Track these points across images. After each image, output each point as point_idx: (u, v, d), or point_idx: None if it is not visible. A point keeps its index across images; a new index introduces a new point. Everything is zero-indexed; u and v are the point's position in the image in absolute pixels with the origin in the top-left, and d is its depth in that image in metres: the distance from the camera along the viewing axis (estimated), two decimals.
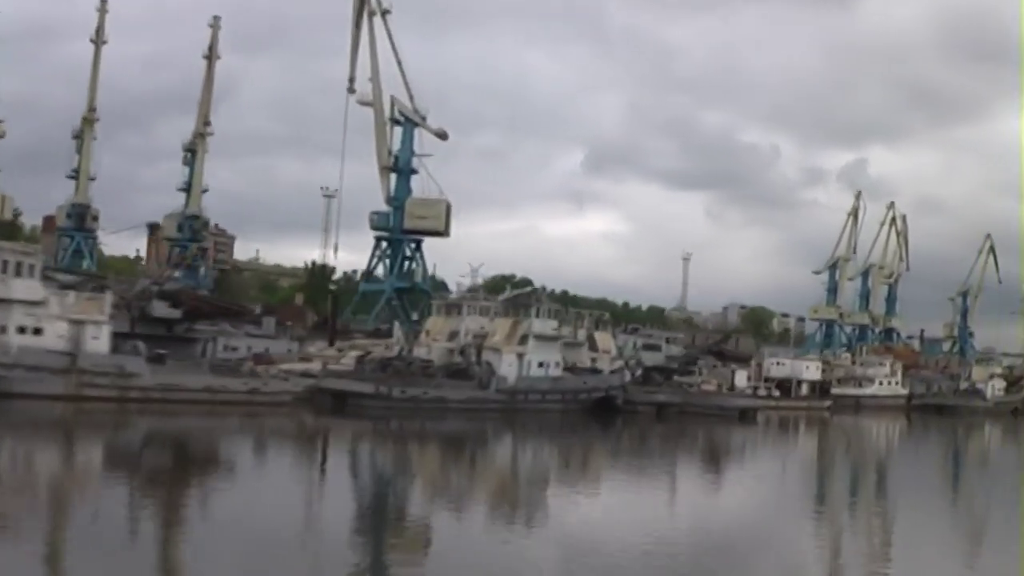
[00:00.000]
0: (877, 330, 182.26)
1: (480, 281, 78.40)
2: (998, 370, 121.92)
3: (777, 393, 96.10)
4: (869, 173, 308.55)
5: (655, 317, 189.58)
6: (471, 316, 72.92)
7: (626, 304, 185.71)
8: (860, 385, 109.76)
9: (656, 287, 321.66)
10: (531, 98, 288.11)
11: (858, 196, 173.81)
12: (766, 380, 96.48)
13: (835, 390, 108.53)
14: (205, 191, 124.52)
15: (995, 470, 66.59)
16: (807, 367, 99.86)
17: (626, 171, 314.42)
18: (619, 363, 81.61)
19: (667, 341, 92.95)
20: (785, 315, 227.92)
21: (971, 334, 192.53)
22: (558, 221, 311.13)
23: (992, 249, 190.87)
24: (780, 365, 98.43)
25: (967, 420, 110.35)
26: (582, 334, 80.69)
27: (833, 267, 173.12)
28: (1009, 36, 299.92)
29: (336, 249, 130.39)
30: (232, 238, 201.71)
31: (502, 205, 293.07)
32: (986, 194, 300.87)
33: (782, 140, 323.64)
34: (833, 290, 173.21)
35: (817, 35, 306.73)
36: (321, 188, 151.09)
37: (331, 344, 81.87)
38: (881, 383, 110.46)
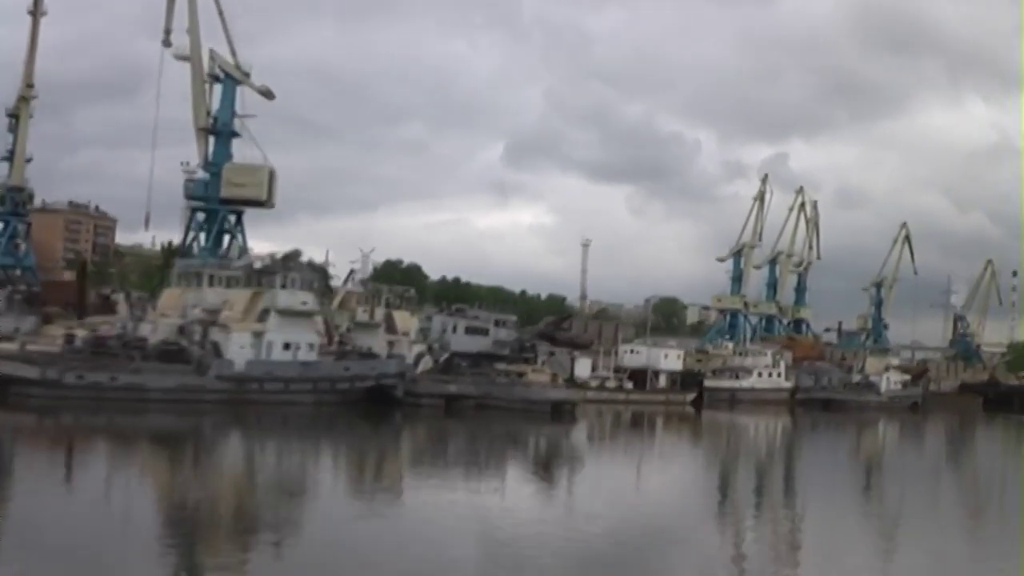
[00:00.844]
0: (786, 321, 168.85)
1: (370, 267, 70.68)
2: (895, 362, 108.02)
3: (630, 385, 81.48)
4: (790, 166, 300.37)
5: (555, 307, 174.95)
6: (213, 288, 57.47)
7: (523, 292, 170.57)
8: (737, 377, 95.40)
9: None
10: (453, 88, 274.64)
11: (764, 180, 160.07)
12: (618, 371, 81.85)
13: (709, 382, 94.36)
14: (29, 160, 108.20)
15: (882, 486, 51.71)
16: (665, 356, 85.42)
17: (549, 162, 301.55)
18: (419, 347, 66.57)
19: (497, 324, 77.87)
20: (706, 308, 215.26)
21: (886, 326, 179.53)
22: (485, 213, 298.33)
23: (908, 239, 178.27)
24: (634, 354, 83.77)
25: (858, 416, 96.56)
26: (380, 313, 65.87)
27: (738, 254, 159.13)
28: (925, 27, 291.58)
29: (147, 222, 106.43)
30: (114, 220, 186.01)
31: (429, 196, 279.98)
32: (909, 188, 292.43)
33: (703, 133, 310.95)
34: (738, 278, 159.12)
35: (737, 27, 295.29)
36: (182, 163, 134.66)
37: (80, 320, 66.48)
38: (761, 375, 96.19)
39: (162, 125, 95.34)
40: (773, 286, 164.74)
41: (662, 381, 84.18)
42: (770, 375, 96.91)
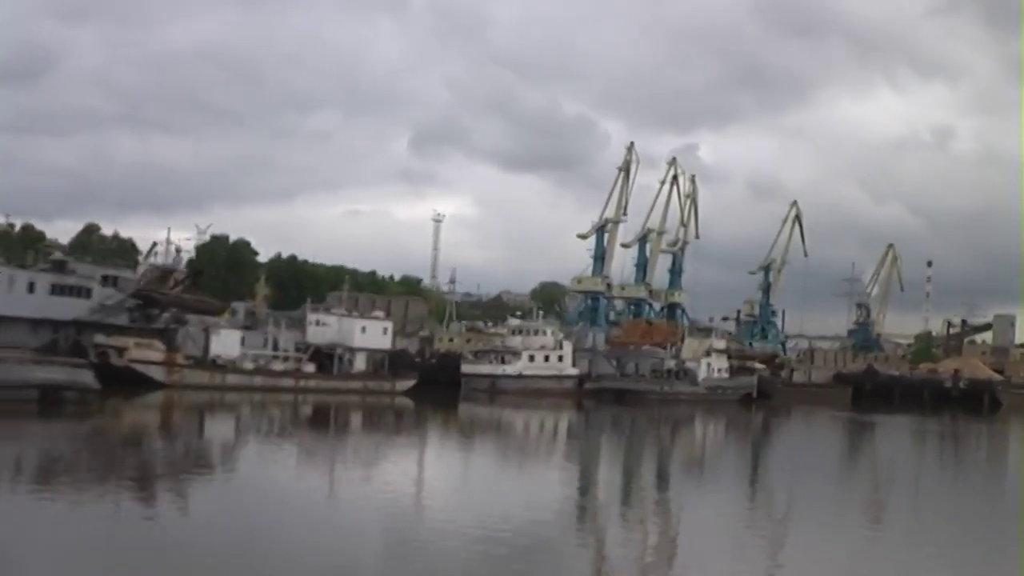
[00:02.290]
0: (659, 306, 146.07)
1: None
2: (719, 344, 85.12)
3: (311, 368, 58.54)
4: (699, 156, 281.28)
5: (410, 290, 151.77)
6: None
7: (373, 272, 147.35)
8: (503, 361, 72.51)
9: (506, 272, 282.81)
10: (360, 75, 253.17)
11: (630, 148, 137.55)
12: (301, 348, 58.88)
13: (467, 368, 71.53)
14: None
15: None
16: (363, 329, 62.40)
17: (458, 152, 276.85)
18: None
19: (106, 282, 54.80)
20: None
21: (774, 312, 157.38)
22: (406, 204, 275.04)
23: (798, 218, 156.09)
24: (322, 326, 60.70)
25: (661, 411, 74.07)
26: None
27: (601, 231, 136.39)
28: (831, 11, 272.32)
29: None
30: None
31: (346, 186, 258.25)
32: (824, 179, 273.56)
33: (612, 124, 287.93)
34: (601, 257, 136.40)
35: (645, 15, 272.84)
36: None
37: None
38: (534, 359, 73.38)
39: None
40: (643, 267, 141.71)
41: (360, 363, 61.08)
42: (546, 359, 73.94)
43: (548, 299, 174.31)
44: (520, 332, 76.75)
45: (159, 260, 62.21)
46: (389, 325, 67.06)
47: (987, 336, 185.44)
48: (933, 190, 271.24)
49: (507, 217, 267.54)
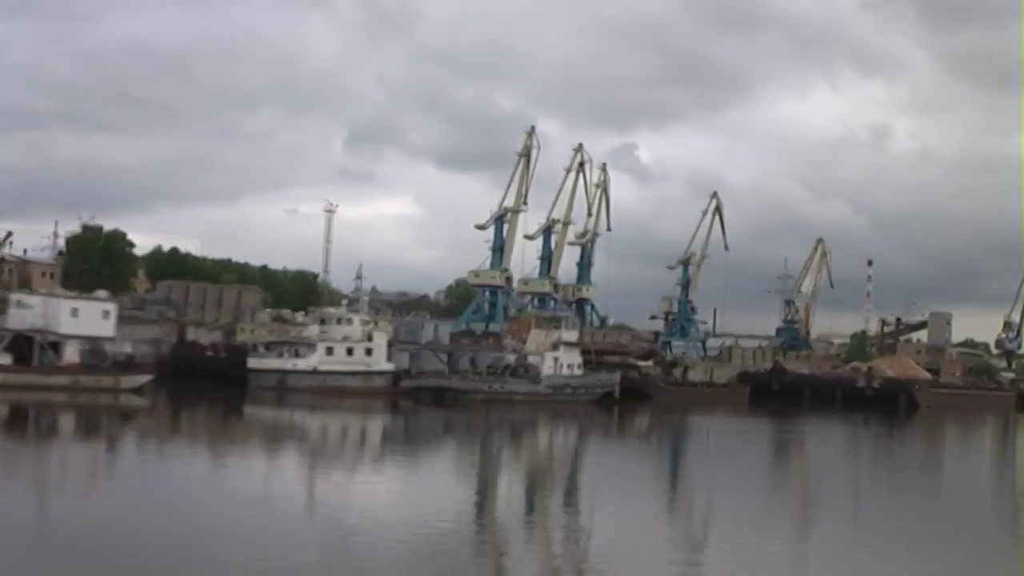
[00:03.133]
0: (567, 301, 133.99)
1: None
2: (572, 337, 73.07)
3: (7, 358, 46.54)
4: (638, 156, 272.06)
5: (305, 285, 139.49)
6: None
7: (264, 267, 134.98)
8: (297, 354, 60.41)
9: (451, 271, 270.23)
10: (298, 72, 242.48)
11: (530, 133, 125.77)
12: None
13: (253, 362, 59.48)
14: None
15: None
16: (74, 312, 50.53)
17: (396, 151, 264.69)
18: None
19: None
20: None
21: (694, 309, 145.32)
22: (351, 204, 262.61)
23: (718, 210, 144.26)
24: (23, 308, 48.75)
25: (501, 412, 62.34)
26: None
27: (500, 221, 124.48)
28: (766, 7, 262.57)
29: None
30: None
31: (292, 186, 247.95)
32: (765, 179, 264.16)
33: (550, 123, 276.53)
34: (500, 249, 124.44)
35: (581, 12, 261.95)
36: None
37: None
38: (332, 352, 61.35)
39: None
40: (548, 260, 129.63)
41: (71, 353, 48.91)
42: (350, 352, 61.91)
43: (465, 295, 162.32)
44: (323, 321, 64.68)
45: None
46: (112, 308, 54.86)
47: (924, 335, 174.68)
48: (874, 189, 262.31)
49: (449, 216, 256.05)
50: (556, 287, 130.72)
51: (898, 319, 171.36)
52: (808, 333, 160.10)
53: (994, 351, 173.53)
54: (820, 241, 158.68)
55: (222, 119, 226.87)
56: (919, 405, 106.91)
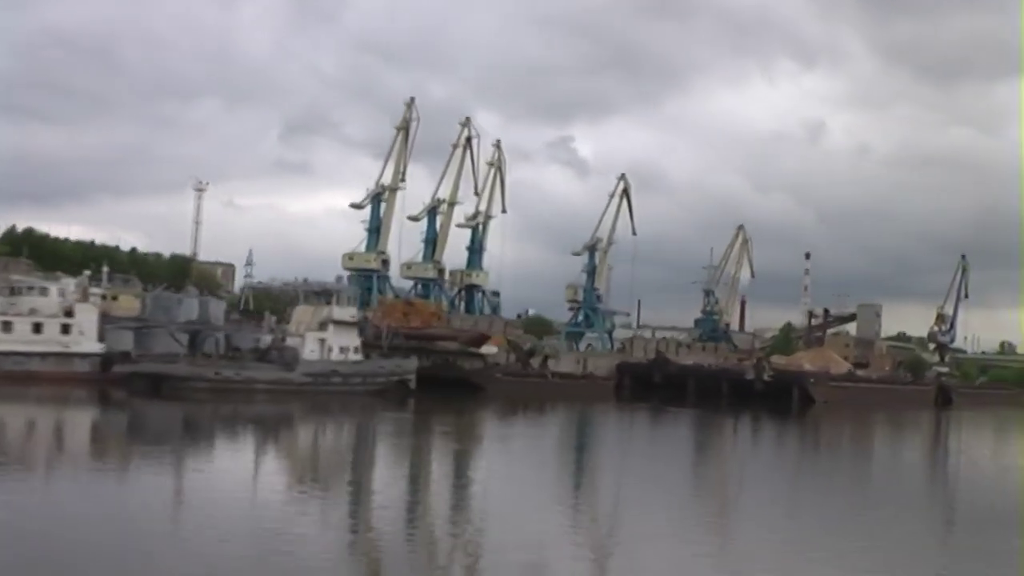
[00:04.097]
0: (456, 288, 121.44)
1: None
2: (347, 315, 59.37)
3: None
4: (574, 149, 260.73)
5: (178, 269, 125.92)
6: None
7: (134, 249, 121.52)
8: None
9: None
10: (236, 62, 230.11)
11: (409, 105, 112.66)
12: None
13: None
14: None
15: None
16: None
17: (333, 143, 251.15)
18: None
19: None
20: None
21: (599, 297, 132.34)
22: (297, 197, 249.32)
23: (627, 193, 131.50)
24: None
25: (234, 404, 49.16)
26: None
27: (377, 199, 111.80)
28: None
29: None
30: None
31: (235, 178, 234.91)
32: (707, 172, 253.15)
33: (486, 116, 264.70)
34: (377, 230, 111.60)
35: (517, 2, 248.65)
36: None
37: None
38: (10, 329, 48.29)
39: None
40: (432, 243, 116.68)
41: None
42: (38, 330, 48.74)
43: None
44: (13, 292, 51.54)
45: None
46: None
47: (854, 327, 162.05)
48: (816, 183, 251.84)
49: (400, 209, 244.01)
50: (441, 272, 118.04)
51: (826, 311, 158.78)
52: (728, 324, 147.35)
53: (930, 346, 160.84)
54: (740, 228, 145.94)
55: (161, 109, 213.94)
56: (814, 400, 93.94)
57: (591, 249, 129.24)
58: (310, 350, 55.71)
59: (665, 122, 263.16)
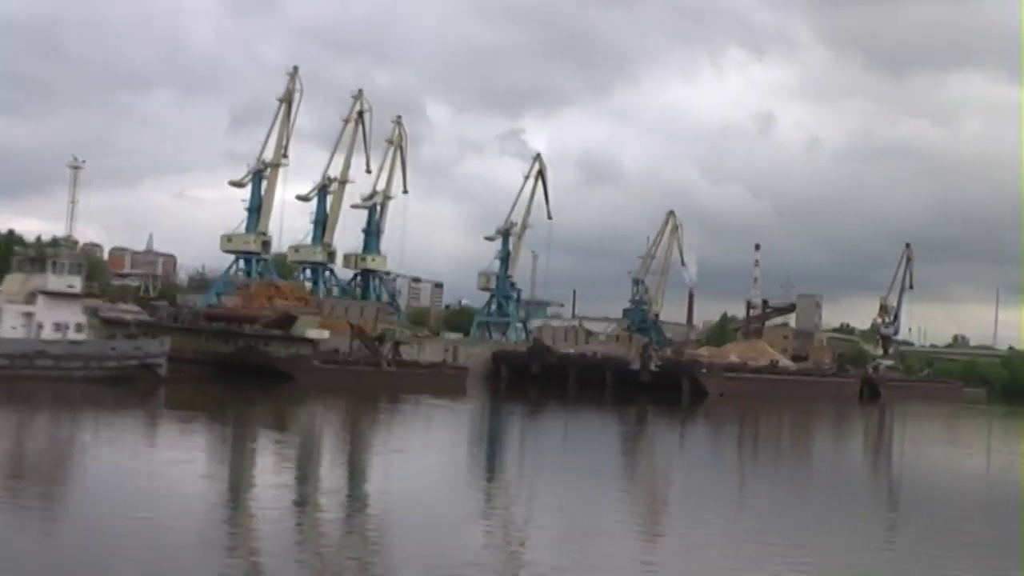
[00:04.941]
0: (351, 272, 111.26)
1: None
2: (67, 285, 48.28)
3: None
4: (525, 140, 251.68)
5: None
6: None
7: (11, 231, 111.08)
8: None
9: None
10: (186, 53, 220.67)
11: (293, 75, 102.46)
12: None
13: None
14: None
15: None
16: None
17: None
18: None
19: None
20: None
21: (514, 285, 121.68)
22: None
23: (542, 174, 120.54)
24: None
25: None
26: None
27: (258, 176, 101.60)
28: None
29: None
30: None
31: (190, 170, 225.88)
32: (661, 164, 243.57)
33: (437, 108, 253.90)
34: (257, 209, 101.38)
35: None
36: None
37: None
38: None
39: None
40: (321, 224, 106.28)
41: None
42: None
43: (286, 270, 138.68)
44: None
45: None
46: None
47: (794, 319, 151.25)
48: (770, 175, 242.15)
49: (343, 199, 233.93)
50: (332, 255, 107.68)
51: (764, 302, 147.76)
52: (658, 315, 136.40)
53: (877, 337, 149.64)
54: (671, 214, 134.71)
55: (115, 100, 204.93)
56: (707, 393, 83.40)
57: (505, 234, 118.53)
58: (9, 325, 45.33)
59: (617, 113, 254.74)
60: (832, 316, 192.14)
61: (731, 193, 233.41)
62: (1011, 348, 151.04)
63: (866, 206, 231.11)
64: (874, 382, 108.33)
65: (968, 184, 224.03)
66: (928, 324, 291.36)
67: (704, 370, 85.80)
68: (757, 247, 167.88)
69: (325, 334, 68.77)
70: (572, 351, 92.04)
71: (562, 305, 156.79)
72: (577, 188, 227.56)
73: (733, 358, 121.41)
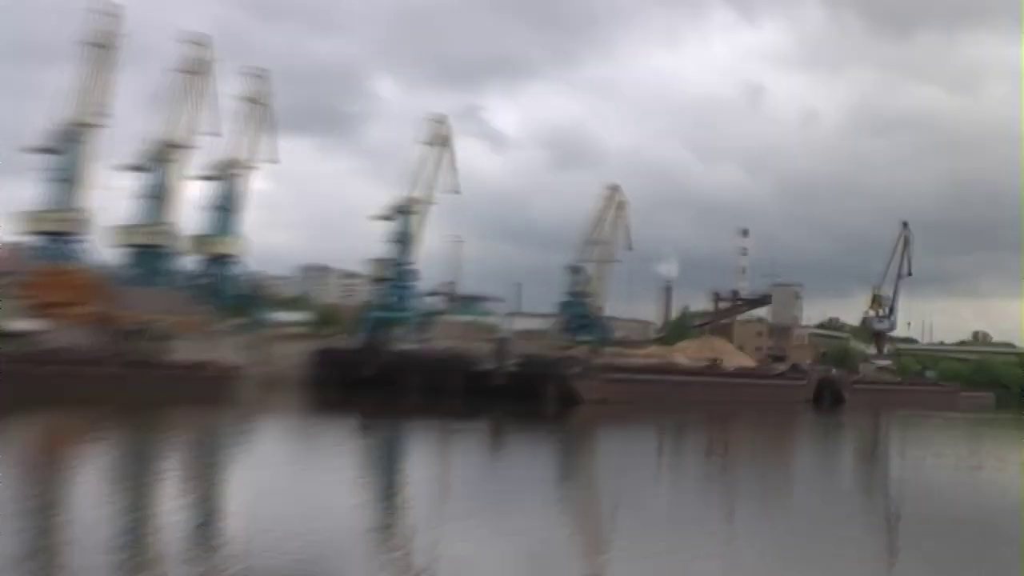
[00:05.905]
0: (202, 257, 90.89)
1: None
2: None
3: None
4: (486, 119, 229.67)
5: None
6: None
7: None
8: None
9: (313, 253, 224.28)
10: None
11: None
12: None
13: None
14: None
15: None
16: None
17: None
18: None
19: None
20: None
21: (413, 273, 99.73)
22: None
23: (447, 140, 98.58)
24: None
25: None
26: None
27: (70, 140, 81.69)
28: None
29: None
30: None
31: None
32: (645, 143, 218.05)
33: (384, 82, 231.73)
34: (66, 181, 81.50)
35: None
36: None
37: None
38: None
39: None
40: (158, 199, 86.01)
41: None
42: None
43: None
44: None
45: None
46: None
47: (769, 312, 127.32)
48: (767, 152, 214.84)
49: (313, 191, 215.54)
50: (172, 237, 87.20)
51: (734, 292, 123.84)
52: (602, 309, 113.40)
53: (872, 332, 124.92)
54: (615, 189, 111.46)
55: (28, 75, 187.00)
56: (581, 399, 61.44)
57: (404, 212, 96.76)
58: None
59: (590, 87, 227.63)
60: (833, 310, 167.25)
61: (724, 171, 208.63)
62: None
63: (873, 185, 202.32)
64: (836, 385, 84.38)
65: (992, 159, 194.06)
66: (954, 321, 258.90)
67: (577, 371, 63.39)
68: (745, 233, 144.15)
69: (44, 325, 49.08)
70: (414, 348, 70.50)
71: (501, 300, 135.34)
72: (548, 172, 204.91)
73: (681, 359, 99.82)
